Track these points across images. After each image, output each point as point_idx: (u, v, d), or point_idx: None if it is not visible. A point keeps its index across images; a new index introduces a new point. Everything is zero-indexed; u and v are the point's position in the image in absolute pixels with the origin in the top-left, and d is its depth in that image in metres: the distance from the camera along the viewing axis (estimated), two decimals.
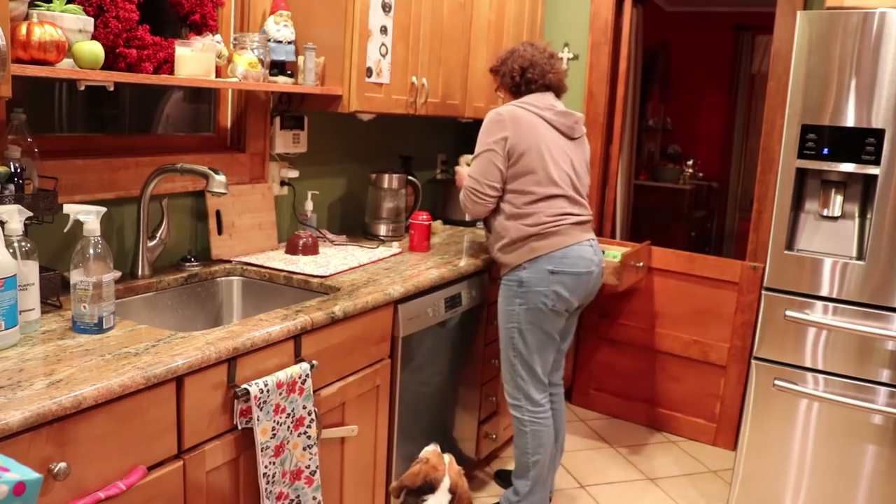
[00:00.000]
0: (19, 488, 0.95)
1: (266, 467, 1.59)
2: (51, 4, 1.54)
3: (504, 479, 2.78)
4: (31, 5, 1.52)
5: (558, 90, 2.41)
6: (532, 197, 2.24)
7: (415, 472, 1.73)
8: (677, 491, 2.86)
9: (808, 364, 2.37)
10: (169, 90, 2.20)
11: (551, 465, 2.48)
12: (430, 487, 1.70)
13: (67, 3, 1.57)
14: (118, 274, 1.80)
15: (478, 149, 2.29)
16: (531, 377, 2.34)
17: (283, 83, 2.20)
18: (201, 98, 2.31)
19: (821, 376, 2.35)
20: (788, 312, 2.36)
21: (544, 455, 2.39)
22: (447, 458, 1.77)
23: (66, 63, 1.57)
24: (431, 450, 1.80)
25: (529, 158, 2.23)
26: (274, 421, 1.59)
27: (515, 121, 2.24)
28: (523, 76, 2.34)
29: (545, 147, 2.25)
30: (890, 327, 2.23)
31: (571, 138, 2.35)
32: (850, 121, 2.23)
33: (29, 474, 0.98)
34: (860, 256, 2.29)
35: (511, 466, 2.61)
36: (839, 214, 2.36)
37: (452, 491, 1.70)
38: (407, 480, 1.73)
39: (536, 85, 2.34)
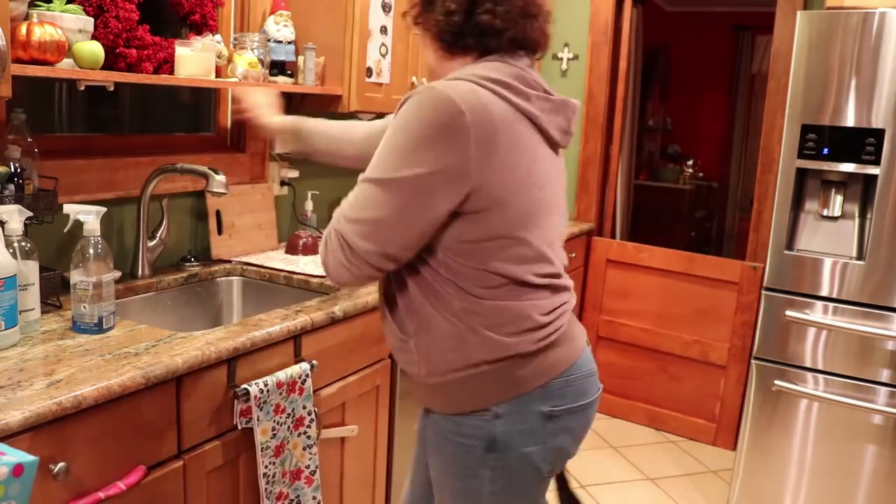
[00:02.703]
0: (18, 469, 0.98)
1: (266, 467, 1.59)
2: (51, 4, 1.54)
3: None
4: (31, 5, 1.52)
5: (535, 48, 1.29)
6: (504, 278, 1.20)
7: None
8: (677, 491, 2.86)
9: (808, 364, 2.37)
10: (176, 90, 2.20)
11: None
12: None
13: (67, 3, 1.57)
14: (118, 274, 1.80)
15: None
16: None
17: (283, 83, 2.20)
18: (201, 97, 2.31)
19: (821, 376, 2.35)
20: (788, 312, 2.36)
21: None
22: None
23: (66, 63, 1.57)
24: None
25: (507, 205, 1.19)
26: (274, 421, 1.59)
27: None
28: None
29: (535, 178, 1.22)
30: (890, 327, 2.23)
31: (558, 148, 1.31)
32: (850, 121, 2.23)
33: (25, 457, 1.00)
34: (860, 256, 2.29)
35: None
36: (839, 214, 2.36)
37: None
38: None
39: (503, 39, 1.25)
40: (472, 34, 1.23)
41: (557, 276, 1.26)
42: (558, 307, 1.26)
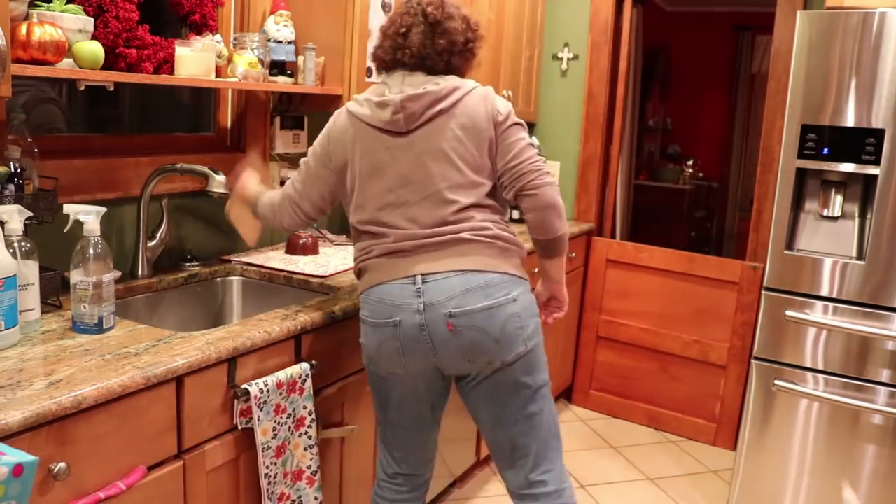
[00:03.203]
0: (18, 469, 0.99)
1: (267, 468, 1.59)
2: (51, 4, 1.54)
3: None
4: (31, 5, 1.52)
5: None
6: (351, 225, 1.78)
7: None
8: (677, 491, 2.86)
9: (808, 364, 2.37)
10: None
11: None
12: None
13: (67, 3, 1.57)
14: (118, 274, 1.80)
15: None
16: (383, 446, 1.87)
17: (283, 83, 2.20)
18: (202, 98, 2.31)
19: (821, 376, 2.35)
20: (788, 312, 2.36)
21: None
22: None
23: (66, 63, 1.57)
24: None
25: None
26: (275, 421, 1.59)
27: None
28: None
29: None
30: (890, 327, 2.23)
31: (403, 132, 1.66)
32: (850, 121, 2.23)
33: (25, 457, 1.00)
34: (860, 256, 2.29)
35: None
36: (839, 214, 2.36)
37: None
38: None
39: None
40: (389, 65, 1.74)
41: (373, 223, 1.68)
42: (368, 246, 1.70)
